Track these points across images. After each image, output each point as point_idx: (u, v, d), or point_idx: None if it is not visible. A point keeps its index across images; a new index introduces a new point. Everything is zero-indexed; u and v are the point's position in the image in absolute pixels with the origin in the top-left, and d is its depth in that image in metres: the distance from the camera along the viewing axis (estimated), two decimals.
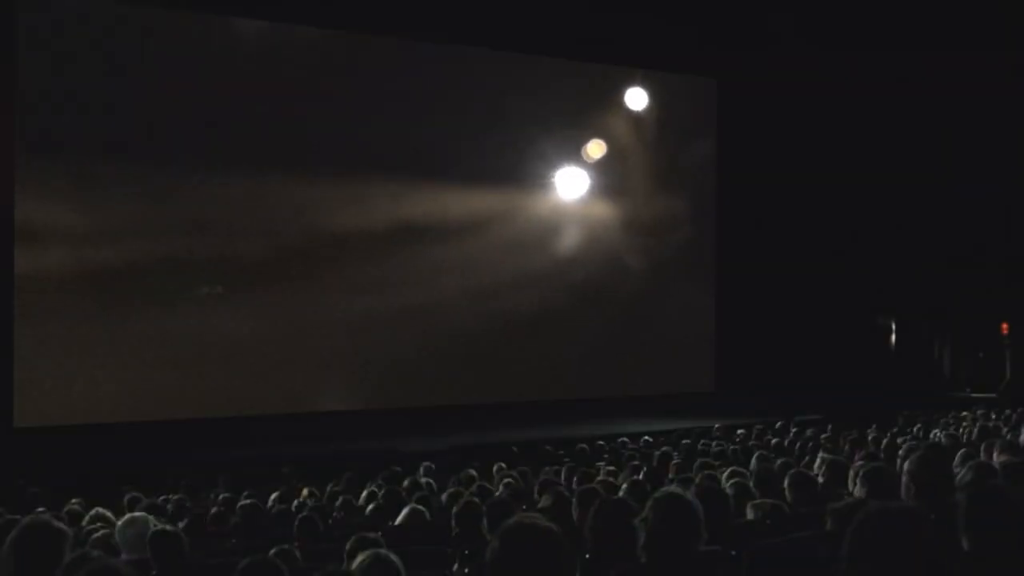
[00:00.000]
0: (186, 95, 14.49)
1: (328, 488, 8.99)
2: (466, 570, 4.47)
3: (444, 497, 7.32)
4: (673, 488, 3.94)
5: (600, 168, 18.68)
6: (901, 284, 20.65)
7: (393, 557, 3.00)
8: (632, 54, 18.40)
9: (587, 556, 3.69)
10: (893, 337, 21.31)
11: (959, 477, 4.63)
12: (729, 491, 5.71)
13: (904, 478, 4.45)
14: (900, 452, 7.48)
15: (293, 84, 15.31)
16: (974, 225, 20.22)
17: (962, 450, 6.64)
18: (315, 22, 15.51)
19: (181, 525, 6.22)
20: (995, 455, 6.72)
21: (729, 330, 19.77)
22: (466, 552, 4.74)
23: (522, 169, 17.74)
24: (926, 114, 20.17)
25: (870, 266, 20.22)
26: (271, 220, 15.27)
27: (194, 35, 14.98)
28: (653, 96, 19.24)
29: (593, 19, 17.02)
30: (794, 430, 12.61)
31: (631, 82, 19.07)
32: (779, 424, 13.31)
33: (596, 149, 18.51)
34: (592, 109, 18.59)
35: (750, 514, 5.12)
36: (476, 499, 5.70)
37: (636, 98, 19.08)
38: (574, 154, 18.41)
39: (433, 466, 9.87)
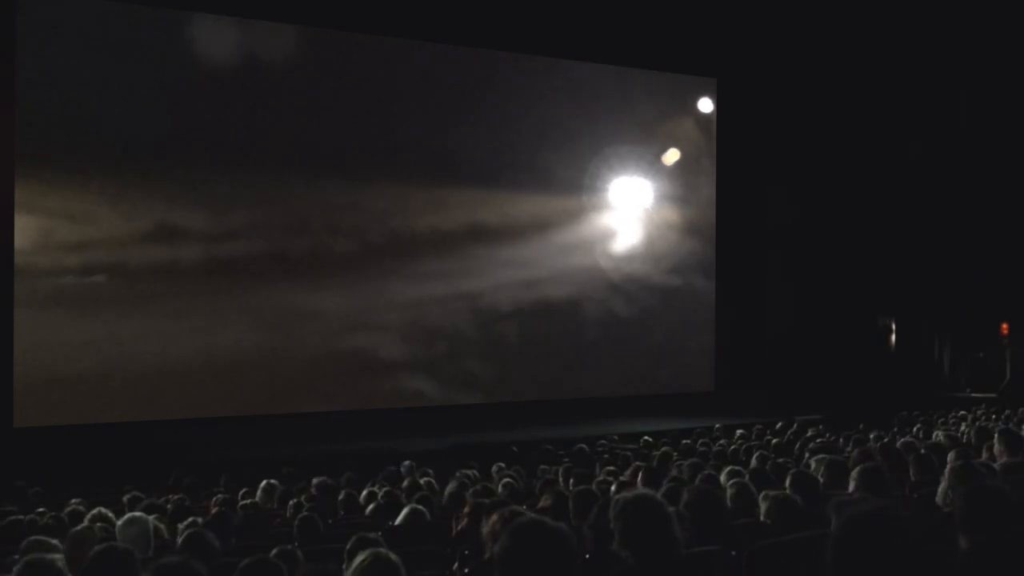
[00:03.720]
0: (286, 107, 15.58)
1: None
2: (466, 570, 4.47)
3: (444, 498, 7.33)
4: (634, 491, 3.86)
5: (663, 175, 19.35)
6: (901, 284, 20.66)
7: (393, 557, 2.99)
8: (633, 54, 18.43)
9: (587, 556, 3.69)
10: (893, 337, 21.32)
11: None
12: (729, 491, 5.72)
13: (944, 483, 4.49)
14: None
15: (379, 100, 16.35)
16: (974, 225, 20.24)
17: (952, 451, 6.64)
18: (393, 32, 16.40)
19: (181, 526, 6.22)
20: (995, 450, 6.73)
21: (729, 330, 19.78)
22: (466, 552, 4.74)
23: (586, 176, 18.43)
24: (927, 114, 20.20)
25: (870, 266, 20.23)
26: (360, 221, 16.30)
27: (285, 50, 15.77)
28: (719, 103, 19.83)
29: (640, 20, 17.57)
30: (793, 430, 12.61)
31: (700, 91, 19.71)
32: (779, 424, 13.31)
33: (671, 156, 19.48)
34: (662, 119, 19.35)
35: (762, 506, 5.10)
36: (485, 500, 5.68)
37: (704, 106, 19.82)
38: (635, 162, 18.95)
39: (414, 464, 9.87)
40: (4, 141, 13.70)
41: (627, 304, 18.85)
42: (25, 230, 13.83)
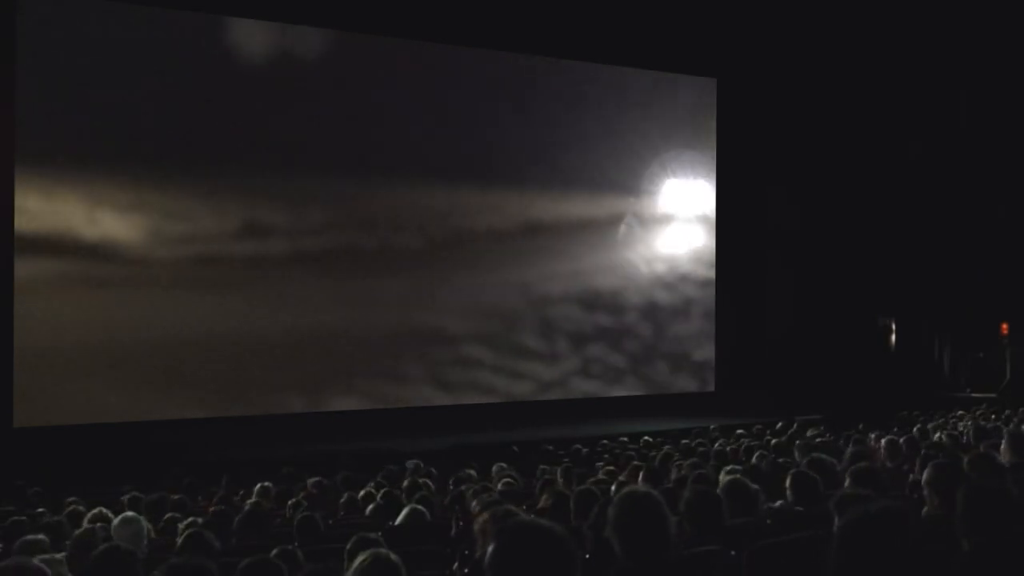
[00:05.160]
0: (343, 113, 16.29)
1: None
2: (466, 570, 4.47)
3: (446, 498, 7.33)
4: (633, 487, 3.85)
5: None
6: (901, 284, 20.66)
7: (393, 557, 2.98)
8: (636, 55, 18.43)
9: (587, 556, 3.68)
10: (893, 337, 21.32)
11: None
12: (728, 490, 5.70)
13: (925, 490, 4.45)
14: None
15: (440, 108, 17.14)
16: (974, 225, 20.24)
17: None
18: (458, 42, 17.11)
19: (181, 526, 6.22)
20: (1001, 450, 6.70)
21: (729, 330, 19.78)
22: (466, 552, 4.74)
23: (636, 177, 18.95)
24: (927, 114, 20.19)
25: (870, 266, 20.23)
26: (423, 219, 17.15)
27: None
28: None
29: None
30: (793, 430, 12.60)
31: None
32: (779, 424, 13.30)
33: None
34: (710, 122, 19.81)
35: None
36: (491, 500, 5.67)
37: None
38: (679, 164, 19.39)
39: (421, 464, 9.88)
40: (5, 140, 13.71)
41: (629, 303, 18.85)
42: (22, 227, 13.83)
